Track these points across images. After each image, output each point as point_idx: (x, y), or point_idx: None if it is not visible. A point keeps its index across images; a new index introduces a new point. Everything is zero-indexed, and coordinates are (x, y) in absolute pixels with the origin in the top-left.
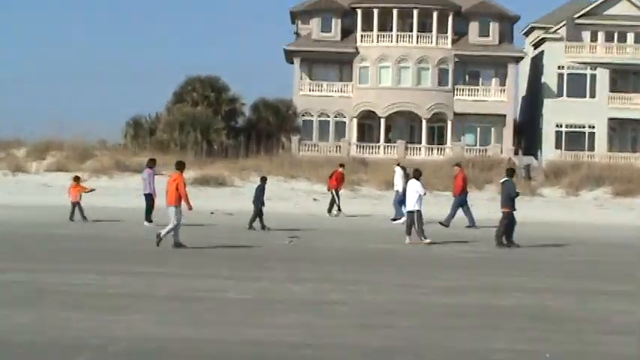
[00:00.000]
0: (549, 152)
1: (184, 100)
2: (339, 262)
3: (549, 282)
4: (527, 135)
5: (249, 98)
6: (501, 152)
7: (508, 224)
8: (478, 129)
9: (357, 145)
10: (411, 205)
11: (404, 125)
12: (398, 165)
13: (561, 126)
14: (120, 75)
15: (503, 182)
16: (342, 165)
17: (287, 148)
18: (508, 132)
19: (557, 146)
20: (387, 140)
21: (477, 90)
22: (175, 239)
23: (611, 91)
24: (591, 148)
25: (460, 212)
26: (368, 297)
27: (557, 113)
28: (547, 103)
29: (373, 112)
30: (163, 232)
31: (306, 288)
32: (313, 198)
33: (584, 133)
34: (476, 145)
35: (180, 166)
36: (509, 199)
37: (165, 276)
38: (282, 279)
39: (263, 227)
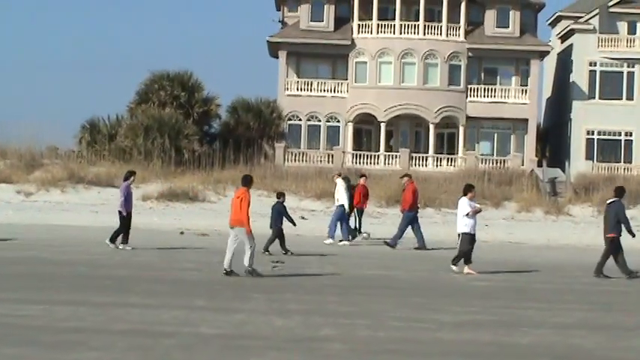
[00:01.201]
0: (579, 164)
1: (150, 100)
2: (331, 291)
3: (577, 316)
4: (553, 143)
5: (225, 99)
6: (522, 163)
7: (614, 251)
8: (495, 136)
9: (352, 155)
10: (460, 226)
11: (408, 131)
12: (339, 176)
13: (593, 133)
14: (74, 69)
15: (610, 203)
16: (363, 175)
17: (270, 158)
18: (530, 140)
19: (588, 157)
20: (388, 149)
21: (495, 90)
22: (249, 265)
23: None
24: (628, 159)
25: (409, 231)
26: (364, 333)
27: (589, 118)
28: (576, 105)
29: (372, 116)
30: (247, 260)
31: (292, 322)
32: (301, 216)
33: (620, 141)
34: (493, 154)
35: (247, 182)
36: (616, 224)
37: (127, 306)
38: (264, 311)
39: (285, 252)
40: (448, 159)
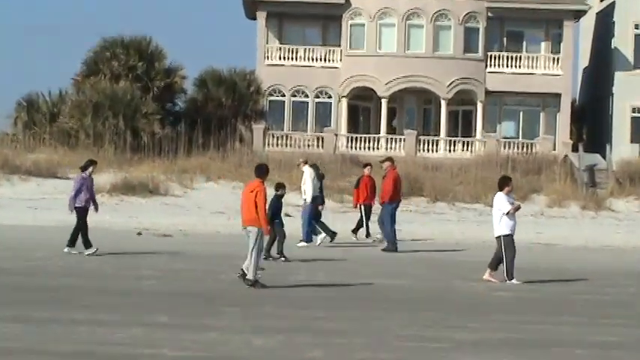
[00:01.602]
0: (622, 148)
1: (100, 72)
2: (322, 305)
3: (622, 333)
4: (591, 123)
5: (192, 70)
6: (554, 148)
7: None
8: (521, 114)
9: (347, 138)
10: (496, 227)
11: (415, 109)
12: (305, 163)
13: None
14: (6, 34)
15: None
16: (367, 165)
17: (247, 141)
18: (564, 119)
19: (634, 139)
20: (391, 130)
21: (520, 59)
22: (252, 274)
23: None
24: None
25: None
26: (362, 355)
27: (634, 92)
28: (619, 77)
29: (371, 90)
30: (247, 265)
31: (274, 341)
32: (285, 213)
33: None
34: (518, 137)
35: (262, 172)
36: None
37: (72, 324)
38: (240, 328)
39: (281, 256)
40: (464, 143)
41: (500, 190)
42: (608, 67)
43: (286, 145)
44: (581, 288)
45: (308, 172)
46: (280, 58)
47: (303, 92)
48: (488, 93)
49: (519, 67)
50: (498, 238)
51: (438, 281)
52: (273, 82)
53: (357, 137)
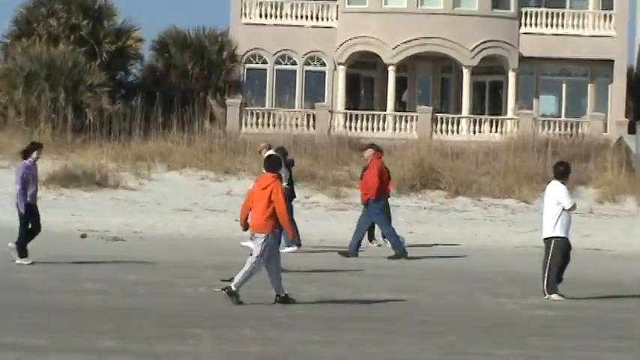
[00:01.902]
0: None
1: (34, 33)
2: (313, 326)
3: None
4: None
5: (150, 30)
6: (605, 129)
7: None
8: (564, 87)
9: (345, 116)
10: (548, 226)
11: (430, 80)
12: (268, 148)
13: None
14: None
15: None
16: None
17: (219, 120)
18: (618, 92)
19: None
20: (400, 106)
21: (563, 16)
22: (277, 290)
23: None
24: None
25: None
26: None
27: None
28: None
29: (375, 56)
30: (238, 277)
31: None
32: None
33: None
34: (560, 115)
35: (274, 165)
36: None
37: None
38: (210, 354)
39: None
40: (491, 122)
41: (560, 178)
42: None
43: (268, 125)
44: (629, 307)
45: None
46: (261, 16)
47: (289, 58)
48: (522, 59)
49: (562, 26)
50: (549, 240)
51: (457, 297)
52: (251, 45)
53: (357, 115)
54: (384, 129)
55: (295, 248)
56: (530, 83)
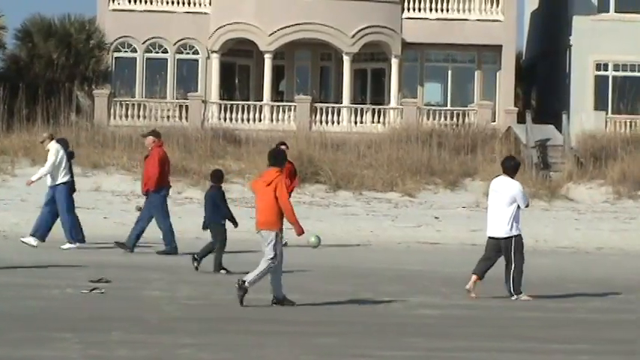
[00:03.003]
0: (584, 117)
1: None
2: (186, 328)
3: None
4: (543, 85)
5: (13, 18)
6: (494, 118)
7: None
8: (449, 74)
9: (219, 106)
10: (505, 224)
11: (309, 68)
12: (50, 139)
13: (606, 67)
14: None
15: None
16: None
17: (86, 112)
18: (506, 79)
19: (599, 105)
20: (278, 96)
21: (447, 1)
22: (276, 292)
23: None
24: None
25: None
26: None
27: (599, 44)
28: (579, 24)
29: (251, 43)
30: (251, 274)
31: None
32: (137, 207)
33: None
34: (445, 104)
35: (279, 159)
36: None
37: None
38: (78, 359)
39: (219, 269)
40: (374, 112)
41: (510, 173)
42: (565, 11)
43: (138, 117)
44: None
45: (53, 150)
46: (130, 1)
47: (160, 46)
48: (405, 45)
49: (447, 10)
50: (508, 239)
51: (339, 295)
52: (120, 33)
53: (232, 106)
54: (260, 120)
55: (77, 245)
56: (414, 70)
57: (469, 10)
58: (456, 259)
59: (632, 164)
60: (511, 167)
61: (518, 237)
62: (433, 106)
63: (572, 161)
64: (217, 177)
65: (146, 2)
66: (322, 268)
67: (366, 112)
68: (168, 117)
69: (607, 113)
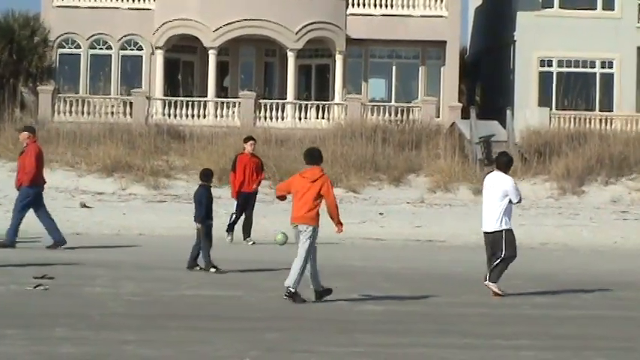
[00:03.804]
0: (529, 113)
1: None
2: (130, 324)
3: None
4: (487, 81)
5: None
6: (438, 114)
7: None
8: (393, 70)
9: (163, 103)
10: (497, 219)
11: (254, 64)
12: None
13: (550, 63)
14: None
15: None
16: (249, 139)
17: (31, 109)
18: (450, 75)
19: (543, 101)
20: (222, 92)
21: None
22: (315, 284)
23: None
24: (607, 104)
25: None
26: None
27: (543, 39)
28: (523, 19)
29: (195, 39)
30: (292, 278)
31: None
32: (82, 203)
33: (594, 75)
34: (390, 100)
35: (315, 156)
36: None
37: None
38: (22, 355)
39: (208, 267)
40: (318, 108)
41: (504, 169)
42: (509, 7)
43: (82, 113)
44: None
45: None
46: None
47: (104, 42)
48: (350, 41)
49: (391, 6)
50: (498, 233)
51: (281, 291)
52: (64, 29)
53: (176, 102)
54: (204, 116)
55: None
56: (359, 66)
57: (413, 6)
58: (400, 254)
59: (576, 160)
60: (504, 163)
61: (509, 231)
62: (377, 102)
63: (516, 157)
64: (206, 176)
65: None
66: (268, 264)
67: (311, 108)
68: (112, 113)
69: (551, 109)
